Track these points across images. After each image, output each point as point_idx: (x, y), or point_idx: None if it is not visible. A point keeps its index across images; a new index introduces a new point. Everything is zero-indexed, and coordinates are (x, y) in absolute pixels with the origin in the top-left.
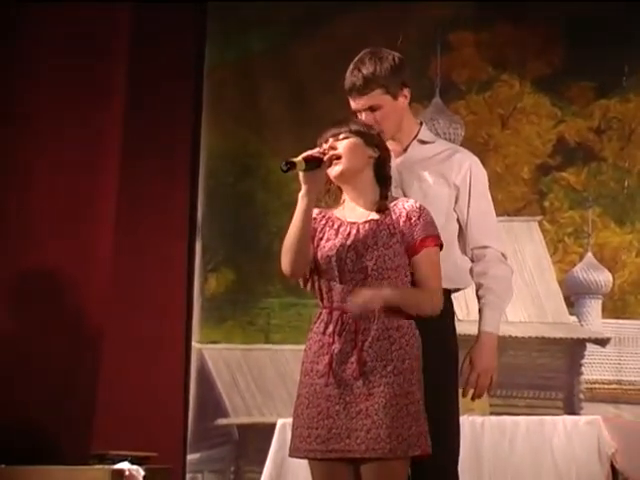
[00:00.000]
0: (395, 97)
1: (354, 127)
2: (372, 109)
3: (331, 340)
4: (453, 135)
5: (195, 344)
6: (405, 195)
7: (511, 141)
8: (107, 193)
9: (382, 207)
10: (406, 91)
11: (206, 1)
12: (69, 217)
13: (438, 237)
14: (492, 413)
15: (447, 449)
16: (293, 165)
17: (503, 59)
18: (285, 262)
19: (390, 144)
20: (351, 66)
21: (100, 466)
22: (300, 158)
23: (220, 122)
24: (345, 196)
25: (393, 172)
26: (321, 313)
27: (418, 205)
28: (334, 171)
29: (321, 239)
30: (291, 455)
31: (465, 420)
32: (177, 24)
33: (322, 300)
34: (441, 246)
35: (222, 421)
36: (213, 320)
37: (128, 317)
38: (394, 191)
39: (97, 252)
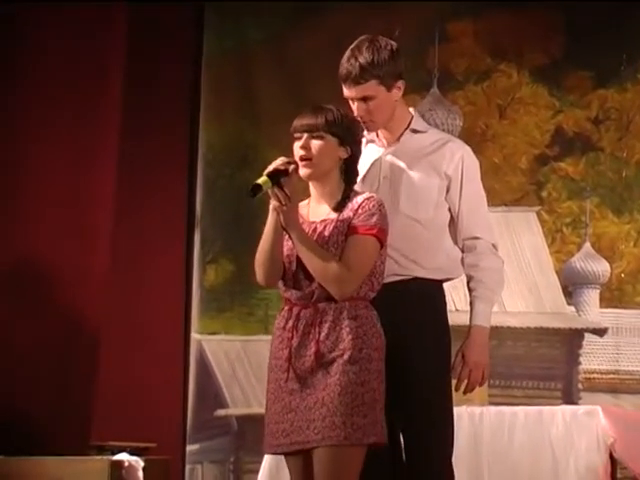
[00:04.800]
0: (389, 89)
1: (330, 118)
2: (365, 99)
3: (290, 335)
4: (451, 126)
5: (194, 335)
6: (393, 186)
7: (509, 131)
8: (105, 184)
9: (340, 206)
10: (400, 83)
11: None
12: (67, 207)
13: (374, 227)
14: (491, 403)
15: (440, 442)
16: (259, 187)
17: (501, 49)
18: (259, 274)
19: (382, 132)
20: (348, 53)
21: (99, 457)
22: (264, 177)
23: (218, 113)
24: (311, 190)
25: (384, 162)
26: (282, 309)
27: (369, 196)
28: (303, 172)
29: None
30: (265, 452)
31: (464, 411)
32: (175, 14)
33: (284, 296)
34: (379, 239)
35: (221, 412)
36: (212, 311)
37: (127, 308)
38: (382, 182)
39: (96, 243)
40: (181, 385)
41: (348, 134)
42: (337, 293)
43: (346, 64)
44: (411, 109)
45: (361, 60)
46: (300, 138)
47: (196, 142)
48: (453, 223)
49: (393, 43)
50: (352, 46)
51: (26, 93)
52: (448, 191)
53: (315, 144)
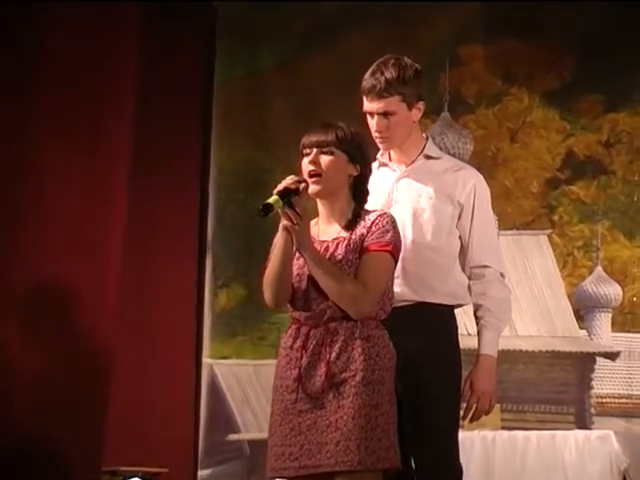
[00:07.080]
0: (410, 107)
1: (340, 134)
2: (386, 114)
3: (299, 355)
4: (462, 149)
5: (206, 359)
6: (406, 211)
7: (520, 155)
8: (117, 210)
9: (352, 225)
10: (421, 104)
11: (215, 17)
12: (78, 234)
13: (389, 244)
14: (503, 428)
15: (450, 469)
16: (270, 207)
17: (512, 73)
18: (268, 295)
19: (396, 155)
20: (373, 67)
21: None
22: (275, 196)
23: (229, 138)
24: (320, 209)
25: (397, 187)
26: (289, 328)
27: (381, 213)
28: (312, 188)
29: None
30: (268, 475)
31: (476, 435)
32: (186, 40)
33: (292, 316)
34: (394, 256)
35: (233, 436)
36: (224, 335)
37: (138, 333)
38: (395, 207)
39: (107, 268)
40: (193, 410)
41: (358, 151)
42: (354, 313)
43: (370, 78)
44: (424, 135)
45: (387, 75)
46: (309, 154)
47: (208, 166)
48: (462, 250)
49: (417, 65)
50: (377, 62)
51: (34, 124)
52: (459, 219)
53: (325, 159)
